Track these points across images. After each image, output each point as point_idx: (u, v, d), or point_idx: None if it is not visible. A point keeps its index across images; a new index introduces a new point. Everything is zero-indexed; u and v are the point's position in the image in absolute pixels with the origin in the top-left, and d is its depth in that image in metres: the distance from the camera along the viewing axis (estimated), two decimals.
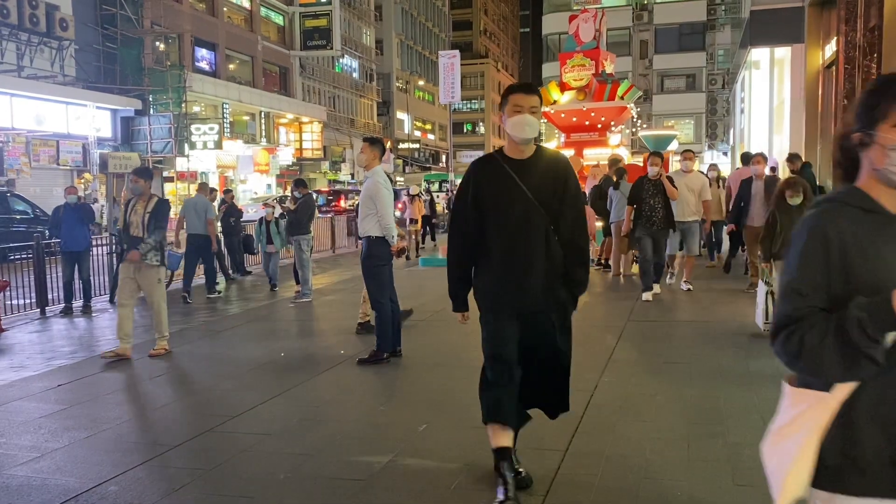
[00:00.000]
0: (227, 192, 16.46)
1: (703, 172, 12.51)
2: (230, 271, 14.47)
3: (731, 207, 10.13)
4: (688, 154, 10.33)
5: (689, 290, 10.02)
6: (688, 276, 10.24)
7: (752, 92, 28.61)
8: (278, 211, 12.88)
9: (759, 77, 27.96)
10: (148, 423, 5.30)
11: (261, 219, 12.63)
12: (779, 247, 7.08)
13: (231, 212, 14.80)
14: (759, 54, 27.31)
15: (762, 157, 9.73)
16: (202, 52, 35.30)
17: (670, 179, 9.46)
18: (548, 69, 51.77)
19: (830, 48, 11.76)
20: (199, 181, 23.54)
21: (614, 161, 12.41)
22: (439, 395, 5.65)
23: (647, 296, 9.42)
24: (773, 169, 18.11)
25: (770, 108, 25.85)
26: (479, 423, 4.88)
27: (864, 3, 9.28)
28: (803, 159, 10.97)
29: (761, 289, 7.14)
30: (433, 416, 5.12)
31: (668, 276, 10.61)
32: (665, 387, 5.63)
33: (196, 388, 6.27)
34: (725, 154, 48.28)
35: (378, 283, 6.65)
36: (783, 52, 26.08)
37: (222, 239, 14.49)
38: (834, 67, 11.91)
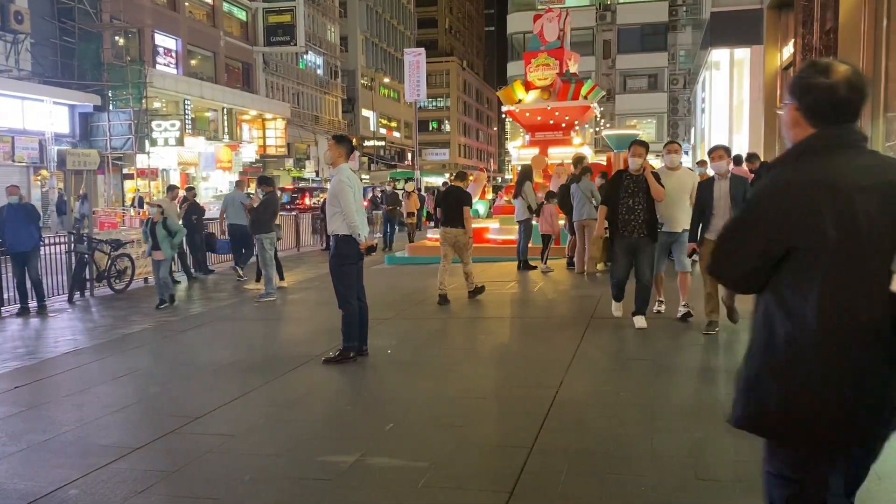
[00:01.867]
0: (190, 189, 16.25)
1: (692, 169, 11.15)
2: (192, 270, 14.29)
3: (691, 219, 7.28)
4: (673, 146, 7.84)
5: (688, 315, 7.63)
6: (684, 296, 7.74)
7: (712, 92, 29.06)
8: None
9: (719, 78, 28.42)
10: (109, 424, 5.21)
11: (147, 220, 11.25)
12: None
13: (193, 209, 14.61)
14: (719, 55, 27.74)
15: (724, 151, 7.12)
16: (163, 48, 34.74)
17: (656, 176, 7.29)
18: (513, 68, 51.93)
19: (788, 50, 12.00)
20: (179, 181, 23.21)
21: (579, 159, 12.50)
22: (406, 394, 5.65)
23: (617, 311, 7.75)
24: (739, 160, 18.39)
25: (730, 108, 26.30)
26: (446, 420, 4.92)
27: (821, 7, 9.49)
28: (762, 158, 11.17)
29: None
30: (400, 414, 5.12)
31: (657, 304, 8.12)
32: (629, 383, 5.69)
33: (158, 388, 6.18)
34: (687, 153, 48.97)
35: (345, 282, 6.62)
36: (742, 54, 26.55)
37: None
38: (791, 69, 12.14)
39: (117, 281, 12.51)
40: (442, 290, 9.45)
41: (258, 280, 11.50)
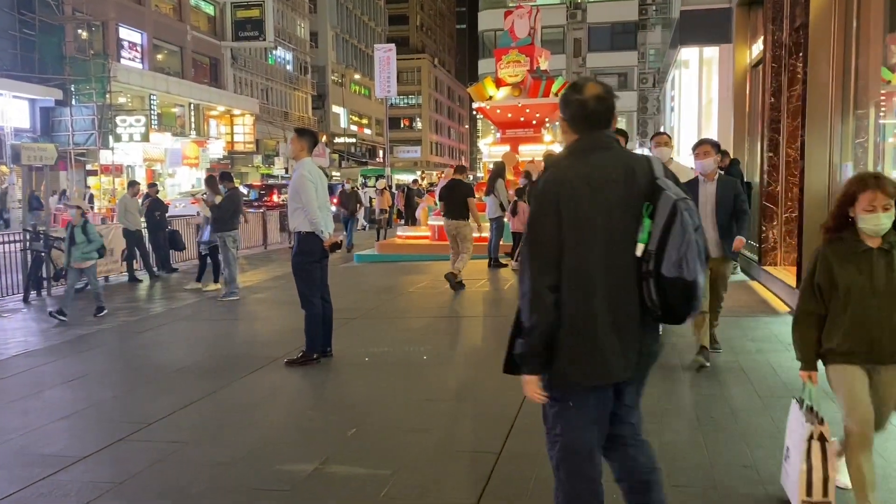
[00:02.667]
0: (152, 186, 15.86)
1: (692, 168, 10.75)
2: (155, 268, 13.93)
3: None
4: (662, 138, 6.65)
5: (706, 359, 5.84)
6: (701, 337, 5.86)
7: (681, 90, 29.19)
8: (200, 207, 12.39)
9: (688, 76, 28.53)
10: (55, 432, 4.94)
11: (68, 224, 10.00)
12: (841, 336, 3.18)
13: (156, 206, 14.24)
14: (688, 53, 27.85)
15: (711, 146, 5.87)
16: (128, 42, 34.06)
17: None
18: (484, 66, 51.81)
19: (758, 47, 11.96)
20: (144, 178, 22.71)
21: (549, 157, 12.36)
22: (370, 398, 5.45)
23: None
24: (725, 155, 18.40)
25: (699, 106, 26.42)
26: (411, 425, 4.73)
27: (790, 3, 9.43)
28: (731, 156, 11.12)
29: (798, 428, 3.33)
30: (363, 419, 4.92)
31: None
32: None
33: (111, 393, 5.91)
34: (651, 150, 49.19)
35: (307, 281, 6.39)
36: (711, 52, 26.69)
37: (147, 235, 13.95)
38: (761, 66, 12.13)
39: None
40: (458, 278, 9.98)
41: (216, 280, 11.20)
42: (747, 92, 12.48)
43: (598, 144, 2.60)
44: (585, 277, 2.48)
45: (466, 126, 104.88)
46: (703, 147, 5.87)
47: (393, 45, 29.66)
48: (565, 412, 2.59)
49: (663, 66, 42.47)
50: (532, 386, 2.59)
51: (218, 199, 10.29)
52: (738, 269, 10.81)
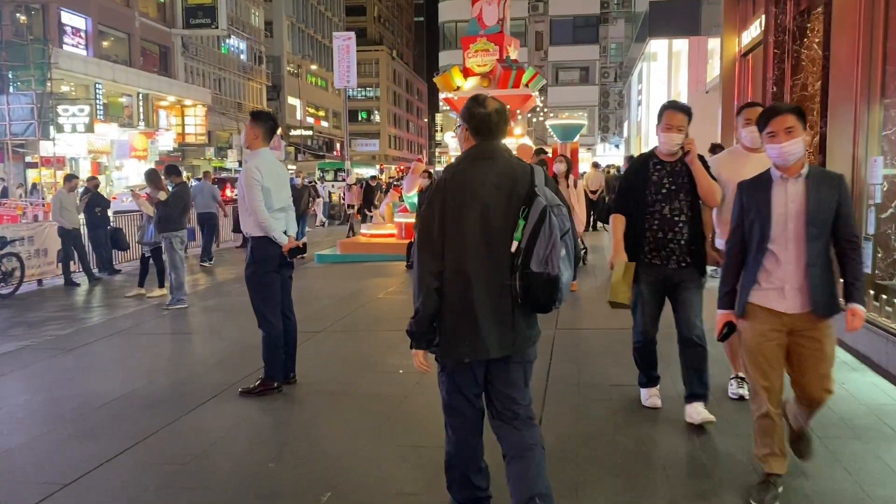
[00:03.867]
0: (91, 179, 14.53)
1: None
2: (96, 270, 12.69)
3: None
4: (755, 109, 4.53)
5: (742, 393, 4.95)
6: (737, 365, 5.01)
7: (650, 83, 28.62)
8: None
9: (656, 69, 28.01)
10: None
11: None
12: None
13: (96, 201, 12.97)
14: (657, 46, 27.35)
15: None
16: (71, 27, 32.24)
17: (704, 163, 4.49)
18: (445, 57, 50.92)
19: (749, 34, 11.23)
20: (90, 170, 21.19)
21: (538, 152, 11.51)
22: (345, 445, 4.44)
23: (649, 399, 4.89)
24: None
25: (668, 98, 25.91)
26: (395, 484, 3.73)
27: None
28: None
29: None
30: (338, 477, 3.92)
31: (736, 383, 5.06)
32: (619, 420, 4.65)
33: (22, 437, 4.79)
34: (617, 147, 48.93)
35: (263, 296, 5.36)
36: (680, 45, 26.19)
37: (86, 232, 12.70)
38: (753, 54, 11.40)
39: (2, 284, 10.85)
40: None
41: (161, 285, 10.06)
42: (736, 82, 11.74)
43: (489, 153, 2.97)
44: (465, 269, 2.86)
45: (425, 119, 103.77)
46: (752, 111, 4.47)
47: (352, 34, 28.45)
48: (449, 381, 3.04)
49: (627, 61, 42.03)
50: (418, 359, 3.00)
51: (162, 196, 9.13)
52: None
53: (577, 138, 16.77)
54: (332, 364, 6.21)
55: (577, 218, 8.31)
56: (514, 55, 19.47)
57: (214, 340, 7.42)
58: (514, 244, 2.82)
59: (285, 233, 5.38)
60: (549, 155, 12.65)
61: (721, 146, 10.40)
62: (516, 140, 18.46)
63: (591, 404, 4.98)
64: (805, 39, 8.89)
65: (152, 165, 36.66)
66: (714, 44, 23.89)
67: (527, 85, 18.40)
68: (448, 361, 3.01)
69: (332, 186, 35.11)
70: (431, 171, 12.25)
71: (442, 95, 18.76)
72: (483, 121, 2.99)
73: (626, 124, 41.91)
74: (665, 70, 26.61)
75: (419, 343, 2.97)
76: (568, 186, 8.95)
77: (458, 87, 18.53)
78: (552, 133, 21.96)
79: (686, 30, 25.08)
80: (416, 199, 15.27)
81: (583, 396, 5.14)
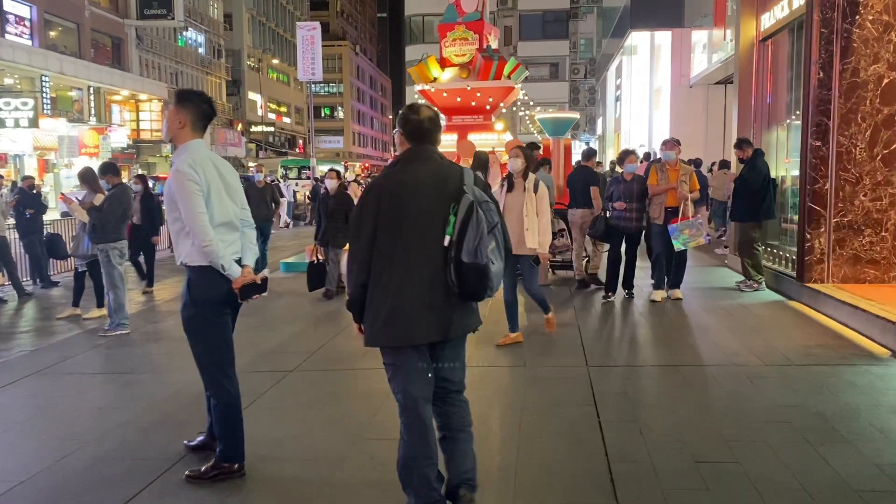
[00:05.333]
0: (26, 178, 12.83)
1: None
2: (29, 282, 11.03)
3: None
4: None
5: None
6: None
7: (631, 77, 27.53)
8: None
9: (637, 62, 26.94)
10: None
11: None
12: None
13: (27, 202, 11.32)
14: (637, 39, 26.29)
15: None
16: (14, 15, 30.08)
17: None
18: (412, 52, 49.42)
19: (771, 17, 10.03)
20: (36, 168, 19.33)
21: (529, 146, 10.13)
22: None
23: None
24: (649, 156, 16.59)
25: (650, 92, 24.87)
26: None
27: None
28: (754, 146, 9.12)
29: None
30: None
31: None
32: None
33: None
34: (587, 144, 47.92)
35: (210, 347, 3.90)
36: (662, 38, 25.13)
37: (13, 238, 11.04)
38: (771, 40, 10.20)
39: None
40: (579, 276, 9.58)
41: (100, 304, 8.48)
42: (754, 69, 10.51)
43: (424, 156, 3.23)
44: (402, 262, 3.09)
45: (390, 116, 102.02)
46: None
47: (317, 24, 26.80)
48: (402, 376, 3.19)
49: (601, 57, 41.01)
50: (355, 328, 3.32)
51: (98, 200, 7.56)
52: (763, 284, 8.84)
53: (568, 134, 15.52)
54: (309, 428, 4.74)
55: (527, 236, 6.10)
56: (494, 44, 18.14)
57: (159, 385, 5.87)
58: (447, 238, 3.04)
59: (239, 261, 3.91)
60: (541, 150, 11.32)
61: (748, 141, 9.21)
62: (498, 136, 17.14)
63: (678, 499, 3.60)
64: (856, 17, 7.68)
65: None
66: (698, 36, 22.90)
67: (509, 76, 17.05)
68: (389, 349, 3.19)
69: (297, 185, 33.46)
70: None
71: (417, 87, 17.31)
72: (416, 127, 3.24)
73: (599, 121, 40.82)
74: (647, 63, 25.54)
75: (353, 315, 3.26)
76: (525, 189, 6.34)
77: (435, 79, 17.11)
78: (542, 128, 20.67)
79: (669, 22, 24.07)
80: None
81: (665, 488, 3.71)
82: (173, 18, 39.50)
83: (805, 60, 8.05)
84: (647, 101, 25.19)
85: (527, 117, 49.56)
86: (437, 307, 3.10)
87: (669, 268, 8.47)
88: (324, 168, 40.24)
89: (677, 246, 8.12)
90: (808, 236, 7.93)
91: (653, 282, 8.57)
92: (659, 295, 8.37)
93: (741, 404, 4.80)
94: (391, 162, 3.34)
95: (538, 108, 43.36)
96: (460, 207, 3.03)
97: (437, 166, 3.21)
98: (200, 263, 3.76)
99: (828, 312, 7.26)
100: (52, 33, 33.28)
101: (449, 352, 3.25)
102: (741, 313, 7.63)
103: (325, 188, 9.87)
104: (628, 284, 8.68)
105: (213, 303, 3.82)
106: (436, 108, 3.35)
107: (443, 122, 18.53)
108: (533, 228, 6.19)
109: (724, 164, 14.51)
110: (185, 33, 46.45)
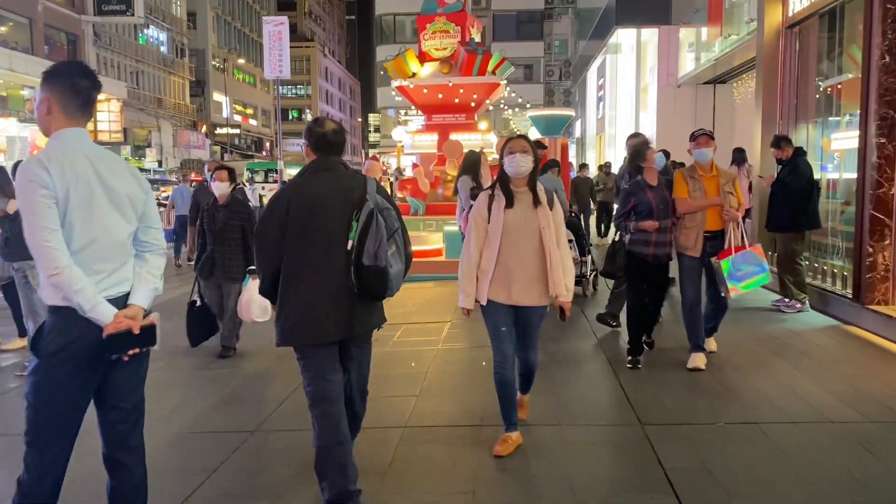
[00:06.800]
0: None
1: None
2: None
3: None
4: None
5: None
6: None
7: (616, 77, 26.45)
8: None
9: (622, 61, 25.88)
10: None
11: None
12: None
13: None
14: (622, 37, 25.22)
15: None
16: None
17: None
18: (382, 52, 48.11)
19: (799, 2, 8.86)
20: None
21: (535, 146, 8.85)
22: None
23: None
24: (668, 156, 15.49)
25: (636, 91, 23.78)
26: None
27: None
28: (794, 145, 7.92)
29: None
30: None
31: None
32: None
33: None
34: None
35: (42, 406, 2.72)
36: (648, 35, 24.09)
37: None
38: (800, 27, 9.07)
39: None
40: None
41: (23, 334, 6.98)
42: (780, 58, 9.36)
43: (328, 166, 3.46)
44: (307, 264, 3.31)
45: (359, 119, 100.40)
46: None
47: (284, 19, 25.24)
48: (312, 371, 3.39)
49: (579, 58, 40.00)
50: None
51: (12, 207, 6.07)
52: (807, 304, 7.64)
53: (561, 133, 14.37)
54: None
55: (550, 278, 4.07)
56: (477, 37, 16.88)
57: (82, 456, 4.43)
58: (350, 243, 3.26)
59: (121, 299, 2.76)
60: (545, 149, 10.05)
61: (787, 139, 8.03)
62: (482, 136, 15.85)
63: None
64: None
65: None
66: (686, 34, 21.87)
67: (493, 72, 15.77)
68: (299, 347, 3.40)
69: (263, 189, 31.92)
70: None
71: (394, 83, 15.96)
72: (321, 139, 3.48)
73: (577, 124, 39.79)
74: (633, 62, 24.47)
75: (272, 301, 3.50)
76: (539, 204, 4.16)
77: (414, 74, 15.76)
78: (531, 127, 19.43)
79: (656, 18, 23.00)
80: None
81: None
82: (133, 15, 37.76)
83: (865, 42, 6.86)
84: (632, 101, 24.11)
85: (510, 116, 48.47)
86: (342, 308, 3.31)
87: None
88: (292, 171, 38.56)
89: (735, 291, 5.57)
90: (870, 250, 6.73)
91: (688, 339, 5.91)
92: (700, 360, 5.69)
93: (871, 486, 3.53)
94: (299, 172, 3.55)
95: (510, 111, 42.29)
96: (362, 214, 3.25)
97: (342, 176, 3.45)
98: (56, 303, 2.63)
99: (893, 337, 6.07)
100: (2, 28, 31.50)
101: (355, 350, 3.49)
102: (798, 343, 6.39)
103: (214, 196, 6.75)
104: (647, 333, 6.14)
105: (68, 358, 2.61)
106: (340, 123, 3.62)
107: (420, 123, 17.26)
108: (557, 266, 4.03)
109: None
110: (146, 31, 44.60)
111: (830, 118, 8.76)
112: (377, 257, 3.21)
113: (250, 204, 7.28)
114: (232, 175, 6.75)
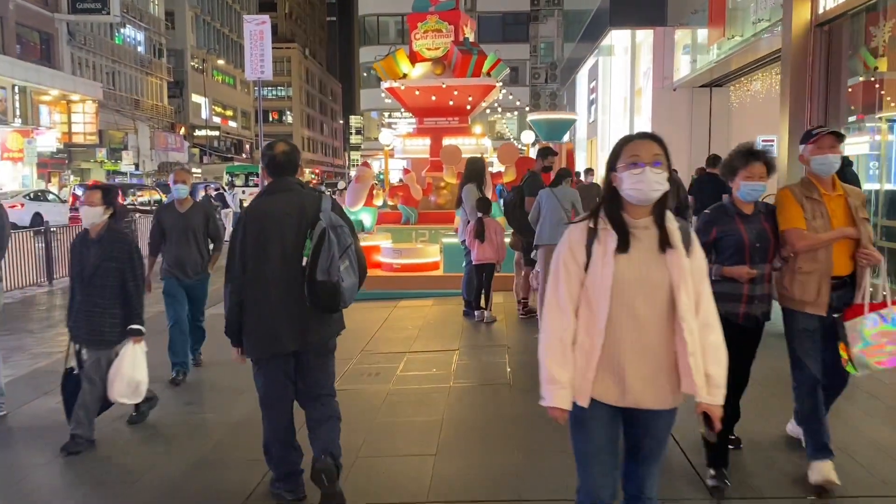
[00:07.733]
0: None
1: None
2: None
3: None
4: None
5: None
6: None
7: (609, 79, 25.84)
8: None
9: (616, 63, 25.27)
10: None
11: None
12: None
13: None
14: (615, 38, 24.61)
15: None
16: None
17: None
18: (366, 54, 47.29)
19: (830, 0, 8.20)
20: None
21: (543, 152, 8.17)
22: None
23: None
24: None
25: (631, 93, 23.16)
26: None
27: None
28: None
29: None
30: None
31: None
32: None
33: None
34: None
35: None
36: (642, 37, 23.50)
37: None
38: (831, 25, 8.41)
39: None
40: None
41: None
42: (809, 59, 8.70)
43: (284, 187, 3.73)
44: (264, 281, 3.61)
45: (340, 121, 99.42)
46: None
47: (266, 17, 24.32)
48: (264, 376, 3.75)
49: (567, 61, 39.44)
50: (235, 354, 3.79)
51: None
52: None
53: (565, 137, 13.68)
54: None
55: (689, 365, 2.53)
56: (471, 37, 16.16)
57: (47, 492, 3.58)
58: (305, 259, 3.51)
59: None
60: (556, 155, 9.31)
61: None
62: (477, 140, 15.09)
63: None
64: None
65: (34, 169, 31.66)
66: (681, 36, 21.28)
67: (488, 73, 15.06)
68: (257, 356, 3.72)
69: (244, 193, 31.02)
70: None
71: (384, 85, 15.19)
72: (272, 161, 3.75)
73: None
74: (627, 65, 23.87)
75: (234, 342, 3.75)
76: (671, 246, 2.60)
77: (405, 75, 14.98)
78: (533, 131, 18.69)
79: (651, 20, 22.41)
80: (363, 217, 11.69)
81: None
82: (109, 13, 36.78)
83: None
84: (627, 104, 23.50)
85: (503, 119, 47.72)
86: (296, 320, 3.61)
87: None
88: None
89: (864, 368, 3.76)
90: None
91: (801, 438, 4.16)
92: (830, 471, 3.78)
93: None
94: (258, 193, 3.93)
95: (497, 114, 41.65)
96: (315, 232, 3.52)
97: (297, 195, 3.70)
98: None
99: None
100: None
101: (313, 360, 3.76)
102: (862, 384, 5.47)
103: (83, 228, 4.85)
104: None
105: None
106: (293, 144, 3.82)
107: (408, 125, 16.44)
108: (696, 345, 2.54)
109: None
110: (122, 30, 43.56)
111: (867, 124, 8.11)
112: (329, 273, 3.46)
113: (130, 238, 5.04)
114: (107, 197, 4.76)
